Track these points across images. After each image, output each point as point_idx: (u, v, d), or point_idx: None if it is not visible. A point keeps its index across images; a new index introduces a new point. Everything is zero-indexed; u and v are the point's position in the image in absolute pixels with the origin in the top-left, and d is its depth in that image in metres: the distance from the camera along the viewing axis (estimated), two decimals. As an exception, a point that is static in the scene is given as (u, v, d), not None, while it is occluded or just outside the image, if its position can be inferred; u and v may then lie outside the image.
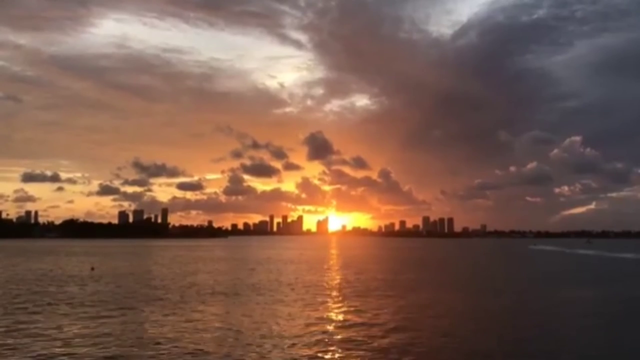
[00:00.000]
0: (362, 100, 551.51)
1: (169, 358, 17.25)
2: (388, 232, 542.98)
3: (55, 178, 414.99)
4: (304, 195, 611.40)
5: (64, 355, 17.55)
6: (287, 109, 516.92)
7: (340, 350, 18.50)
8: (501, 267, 73.40)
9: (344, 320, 24.59)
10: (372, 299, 32.39)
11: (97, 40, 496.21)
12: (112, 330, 21.64)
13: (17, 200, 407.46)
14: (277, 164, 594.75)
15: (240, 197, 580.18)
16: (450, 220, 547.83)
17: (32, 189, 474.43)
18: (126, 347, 18.52)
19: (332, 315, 26.16)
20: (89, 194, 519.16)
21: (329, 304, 30.10)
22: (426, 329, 22.44)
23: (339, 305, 29.82)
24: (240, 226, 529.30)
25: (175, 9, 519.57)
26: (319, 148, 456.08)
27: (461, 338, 20.71)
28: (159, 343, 19.26)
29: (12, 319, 24.34)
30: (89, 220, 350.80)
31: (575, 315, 27.46)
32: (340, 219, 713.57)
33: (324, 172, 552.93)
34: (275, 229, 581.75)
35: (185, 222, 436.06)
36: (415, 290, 37.98)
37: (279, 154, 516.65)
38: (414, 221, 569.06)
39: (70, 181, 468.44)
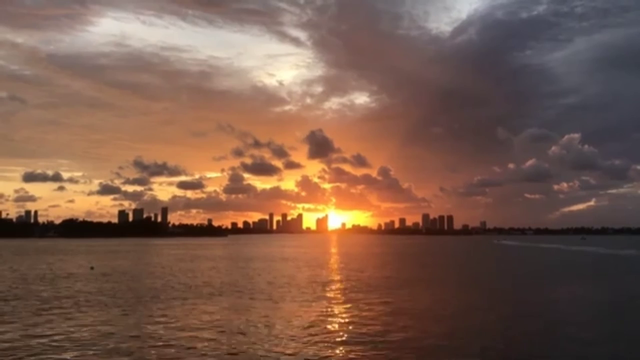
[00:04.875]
0: (361, 98, 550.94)
1: (167, 356, 17.47)
2: (388, 230, 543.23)
3: (56, 177, 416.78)
4: (303, 194, 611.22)
5: (62, 353, 17.79)
6: (287, 107, 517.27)
7: (339, 348, 18.74)
8: (493, 264, 73.88)
9: (343, 317, 24.81)
10: (371, 295, 32.58)
11: (95, 39, 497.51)
12: (110, 328, 21.83)
13: (17, 199, 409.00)
14: (278, 163, 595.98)
15: (240, 196, 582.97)
16: (450, 218, 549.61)
17: (32, 188, 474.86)
18: (125, 346, 18.71)
19: (332, 313, 26.32)
20: (90, 193, 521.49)
21: (328, 301, 30.27)
22: (421, 325, 22.68)
23: (338, 302, 30.03)
24: (240, 224, 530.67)
25: (173, 7, 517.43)
26: (319, 146, 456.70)
27: (454, 332, 21.01)
28: (157, 341, 19.46)
29: (13, 318, 24.60)
30: (89, 219, 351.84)
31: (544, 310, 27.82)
32: (340, 217, 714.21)
33: (323, 170, 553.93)
34: (275, 227, 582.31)
35: (185, 221, 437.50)
36: (412, 287, 38.24)
37: (280, 153, 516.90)
38: (413, 219, 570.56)
39: (72, 181, 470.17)
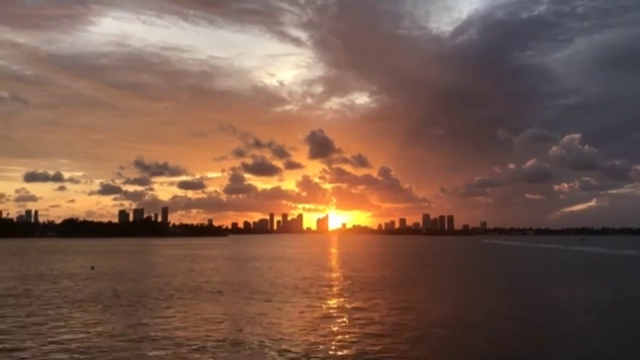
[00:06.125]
0: (361, 98, 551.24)
1: (167, 356, 17.53)
2: (388, 230, 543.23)
3: (57, 177, 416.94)
4: (304, 194, 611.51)
5: (60, 352, 17.86)
6: (287, 107, 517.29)
7: (337, 348, 18.81)
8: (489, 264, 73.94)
9: (342, 317, 24.86)
10: (369, 295, 32.63)
11: (96, 39, 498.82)
12: (110, 328, 21.92)
13: (18, 199, 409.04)
14: (279, 163, 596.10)
15: (240, 196, 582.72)
16: (451, 218, 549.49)
17: (33, 188, 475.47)
18: (124, 345, 18.80)
19: (331, 313, 26.40)
20: (91, 193, 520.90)
21: (327, 301, 30.36)
22: (418, 325, 22.74)
23: (337, 302, 30.09)
24: (241, 225, 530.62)
25: (174, 7, 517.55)
26: (320, 146, 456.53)
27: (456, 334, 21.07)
28: (157, 341, 19.53)
29: (13, 318, 24.67)
30: (90, 219, 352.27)
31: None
32: (340, 217, 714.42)
33: (324, 171, 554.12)
34: (275, 227, 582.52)
35: (185, 221, 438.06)
36: (411, 287, 38.30)
37: (281, 153, 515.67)
38: (414, 219, 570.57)
39: (72, 180, 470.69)
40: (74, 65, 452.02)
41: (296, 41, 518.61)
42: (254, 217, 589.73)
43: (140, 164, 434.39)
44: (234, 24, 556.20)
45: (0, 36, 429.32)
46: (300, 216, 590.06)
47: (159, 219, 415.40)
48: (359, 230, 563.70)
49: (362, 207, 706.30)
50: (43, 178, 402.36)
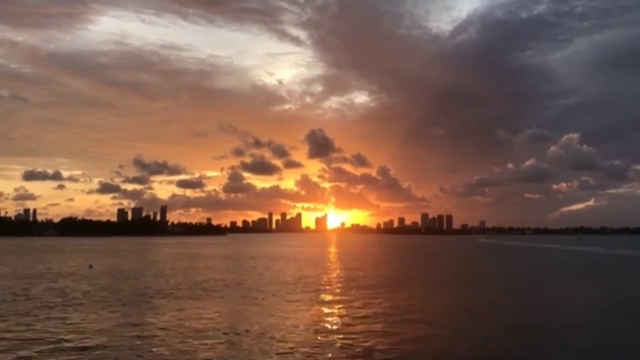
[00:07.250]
0: (361, 97, 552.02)
1: (163, 355, 17.43)
2: (387, 229, 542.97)
3: (56, 176, 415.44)
4: (303, 193, 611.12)
5: (57, 351, 17.75)
6: (286, 106, 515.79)
7: (333, 348, 18.73)
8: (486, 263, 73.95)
9: (339, 316, 24.82)
10: (366, 294, 32.56)
11: (95, 37, 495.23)
12: (107, 326, 21.80)
13: (17, 198, 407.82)
14: (278, 162, 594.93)
15: (239, 195, 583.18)
16: (449, 217, 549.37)
17: (32, 187, 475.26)
18: (121, 344, 18.69)
19: (328, 312, 26.37)
20: (90, 191, 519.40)
21: (325, 300, 30.35)
22: (416, 325, 22.66)
23: (335, 301, 30.03)
24: (239, 223, 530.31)
25: (173, 6, 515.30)
26: (319, 145, 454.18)
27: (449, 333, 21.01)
28: (154, 340, 19.45)
29: (8, 316, 24.56)
30: (88, 218, 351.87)
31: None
32: (339, 216, 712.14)
33: (323, 170, 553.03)
34: (274, 226, 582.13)
35: (184, 220, 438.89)
36: (410, 286, 38.24)
37: (281, 152, 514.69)
38: (413, 218, 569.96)
39: (72, 179, 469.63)
40: (74, 64, 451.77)
41: (296, 40, 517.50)
42: (253, 216, 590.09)
43: (139, 163, 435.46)
44: (234, 23, 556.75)
45: (0, 34, 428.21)
46: (299, 215, 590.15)
47: (158, 217, 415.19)
48: (357, 229, 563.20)
49: (361, 206, 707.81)
50: (42, 177, 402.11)
